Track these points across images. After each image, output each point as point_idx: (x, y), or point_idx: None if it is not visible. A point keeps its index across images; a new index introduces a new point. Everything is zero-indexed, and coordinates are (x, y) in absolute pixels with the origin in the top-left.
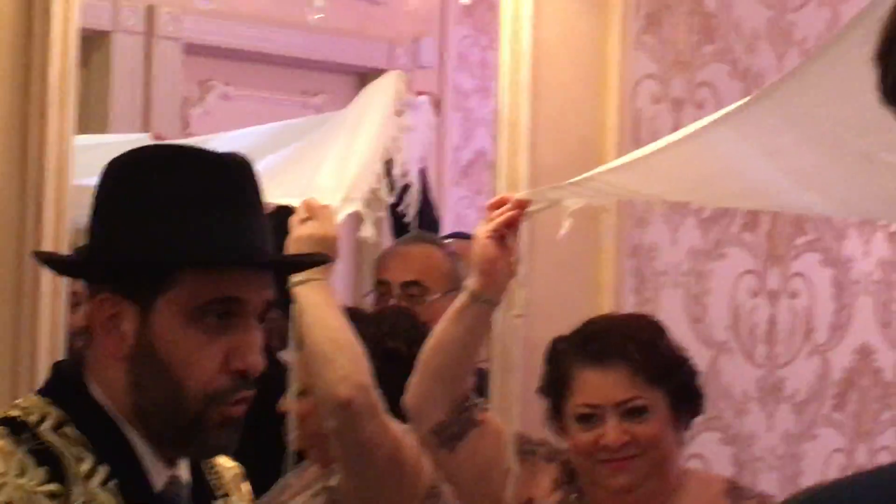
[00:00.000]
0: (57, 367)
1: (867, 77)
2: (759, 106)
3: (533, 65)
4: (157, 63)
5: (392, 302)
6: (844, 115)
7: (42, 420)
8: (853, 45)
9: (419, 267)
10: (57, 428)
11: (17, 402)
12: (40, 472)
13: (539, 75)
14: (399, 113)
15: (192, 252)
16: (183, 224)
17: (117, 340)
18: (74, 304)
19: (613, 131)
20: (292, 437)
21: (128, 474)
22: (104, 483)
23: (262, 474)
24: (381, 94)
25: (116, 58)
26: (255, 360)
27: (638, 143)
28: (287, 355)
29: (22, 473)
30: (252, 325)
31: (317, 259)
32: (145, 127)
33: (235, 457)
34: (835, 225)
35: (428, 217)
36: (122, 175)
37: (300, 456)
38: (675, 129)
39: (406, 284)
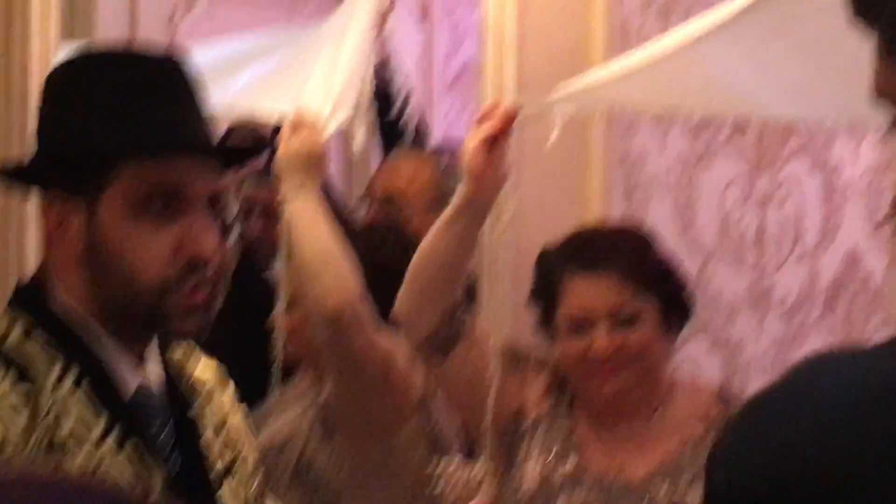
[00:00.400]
0: (20, 281)
1: None
2: (746, 17)
3: None
4: None
5: (373, 214)
6: (834, 26)
7: (7, 331)
8: None
9: (401, 182)
10: (26, 334)
11: None
12: (9, 377)
13: None
14: (382, 19)
15: (130, 142)
16: (120, 116)
17: (70, 242)
18: None
19: (600, 39)
20: (280, 349)
21: (97, 376)
22: (75, 386)
23: (249, 390)
24: (363, 2)
25: None
26: (205, 247)
27: (624, 51)
28: (275, 270)
29: None
30: (200, 212)
31: (254, 149)
32: (132, 36)
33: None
34: (824, 131)
35: (420, 128)
36: (59, 78)
37: (287, 372)
38: (663, 36)
39: (386, 199)
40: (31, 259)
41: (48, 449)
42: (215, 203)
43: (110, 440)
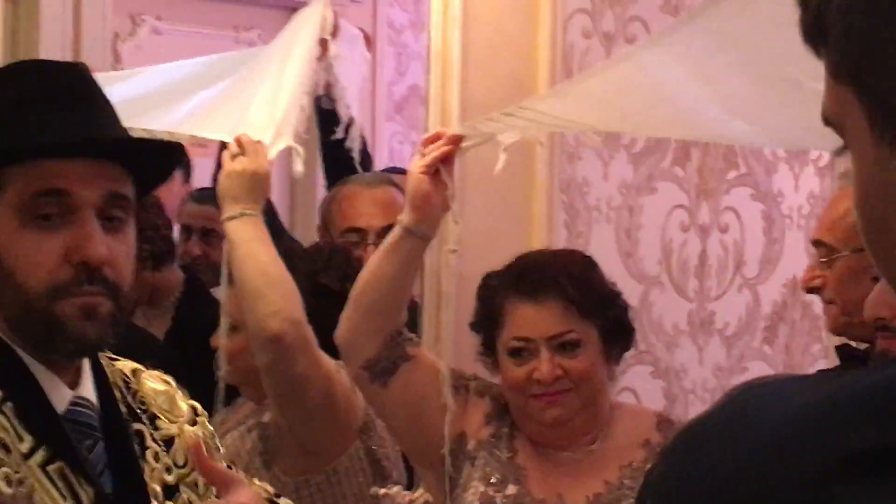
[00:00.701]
0: None
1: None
2: (690, 28)
3: None
4: None
5: (370, 249)
6: (774, 41)
7: None
8: None
9: (394, 210)
10: None
11: None
12: None
13: (470, 9)
14: (324, 42)
15: (7, 146)
16: (2, 124)
17: None
18: None
19: (545, 66)
20: (223, 372)
21: (23, 396)
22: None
23: None
24: (306, 24)
25: None
26: (95, 251)
27: (569, 78)
28: (218, 291)
29: None
30: (88, 217)
31: (158, 144)
32: (75, 58)
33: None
34: (765, 159)
35: (365, 153)
36: None
37: (232, 392)
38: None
39: (385, 230)
40: None
41: None
42: (112, 208)
43: (34, 460)
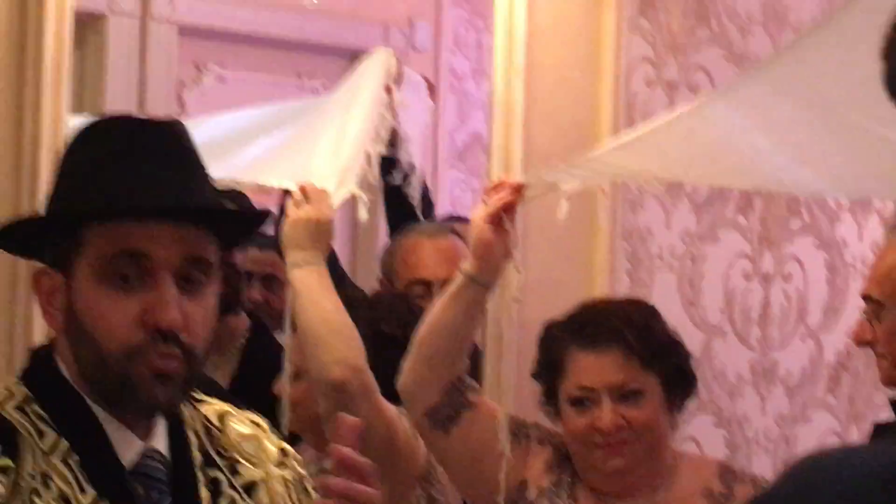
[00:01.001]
0: (30, 350)
1: (862, 52)
2: (754, 80)
3: (527, 47)
4: (152, 45)
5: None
6: (840, 89)
7: (6, 399)
8: (848, 20)
9: (457, 260)
10: (21, 407)
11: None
12: None
13: (533, 58)
14: (388, 90)
15: (85, 208)
16: (87, 181)
17: (56, 314)
18: None
19: (607, 114)
20: (285, 420)
21: (90, 448)
22: (66, 458)
23: None
24: (371, 72)
25: (112, 40)
26: (168, 317)
27: (632, 127)
28: (282, 339)
29: None
30: (165, 280)
31: (243, 213)
32: (140, 109)
33: None
34: (829, 208)
35: (426, 200)
36: (65, 147)
37: (293, 440)
38: (670, 112)
39: (418, 282)
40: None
41: None
42: (192, 270)
43: None
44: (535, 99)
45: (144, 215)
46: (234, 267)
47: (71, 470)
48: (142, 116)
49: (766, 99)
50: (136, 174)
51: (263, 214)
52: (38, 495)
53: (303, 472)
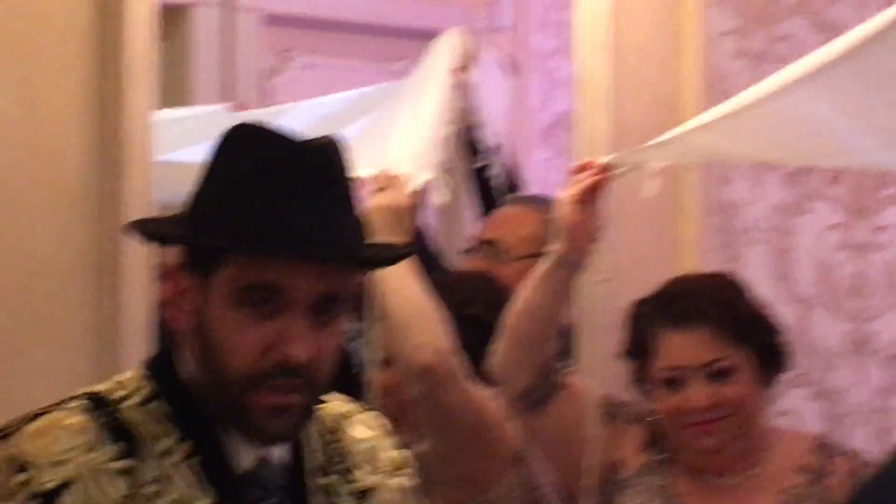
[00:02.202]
0: (160, 343)
1: None
2: (844, 67)
3: (611, 23)
4: (236, 35)
5: (476, 258)
6: None
7: (129, 395)
8: None
9: (503, 227)
10: (146, 402)
11: (121, 375)
12: (113, 448)
13: (617, 34)
14: (460, 71)
15: (233, 236)
16: (237, 206)
17: (185, 315)
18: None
19: (693, 89)
20: (376, 406)
21: (208, 452)
22: (184, 460)
23: None
24: (442, 54)
25: (196, 31)
26: (296, 351)
27: (717, 100)
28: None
29: (91, 449)
30: (296, 315)
31: (386, 255)
32: (227, 99)
33: None
34: None
35: (511, 181)
36: (211, 150)
37: None
38: (756, 84)
39: (487, 242)
40: (127, 317)
41: None
42: (327, 304)
43: None
44: (620, 75)
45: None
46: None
47: (189, 473)
48: (294, 136)
49: (856, 88)
50: (283, 207)
51: (407, 251)
52: (158, 493)
53: (415, 482)
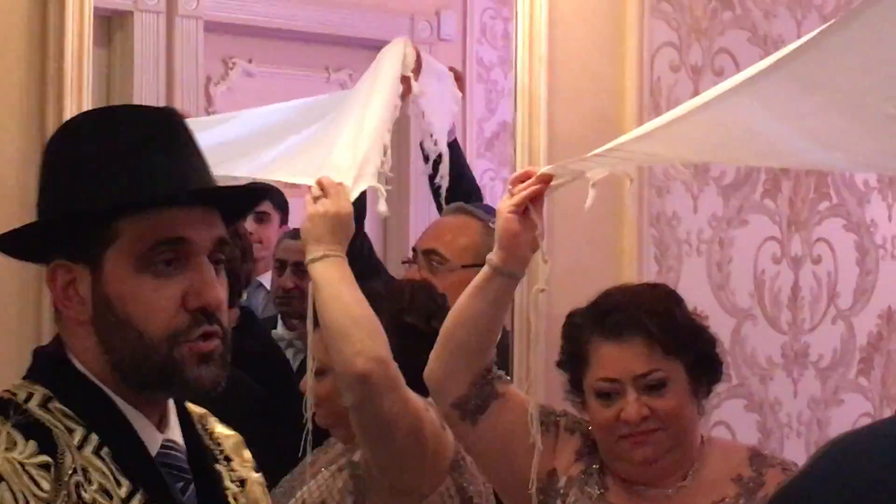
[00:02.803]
0: (37, 350)
1: (889, 45)
2: (778, 74)
3: (549, 35)
4: (178, 42)
5: (414, 269)
6: (867, 81)
7: (28, 398)
8: (874, 14)
9: (443, 237)
10: (43, 405)
11: (5, 389)
12: (30, 445)
13: (556, 45)
14: (406, 80)
15: (125, 198)
16: (112, 173)
17: (78, 306)
18: None
19: (632, 100)
20: (310, 415)
21: (119, 440)
22: (97, 451)
23: (283, 452)
24: (388, 63)
25: (138, 37)
26: (211, 296)
27: (657, 112)
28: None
29: (12, 447)
30: (203, 263)
31: (249, 191)
32: (169, 105)
33: (255, 434)
34: (857, 189)
35: (461, 188)
36: (52, 144)
37: (321, 435)
38: (695, 96)
39: (426, 252)
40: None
41: None
42: (219, 251)
43: None
44: (558, 87)
45: (183, 203)
46: (238, 258)
47: (105, 462)
48: (142, 105)
49: (791, 93)
50: (157, 163)
51: (262, 191)
52: (83, 489)
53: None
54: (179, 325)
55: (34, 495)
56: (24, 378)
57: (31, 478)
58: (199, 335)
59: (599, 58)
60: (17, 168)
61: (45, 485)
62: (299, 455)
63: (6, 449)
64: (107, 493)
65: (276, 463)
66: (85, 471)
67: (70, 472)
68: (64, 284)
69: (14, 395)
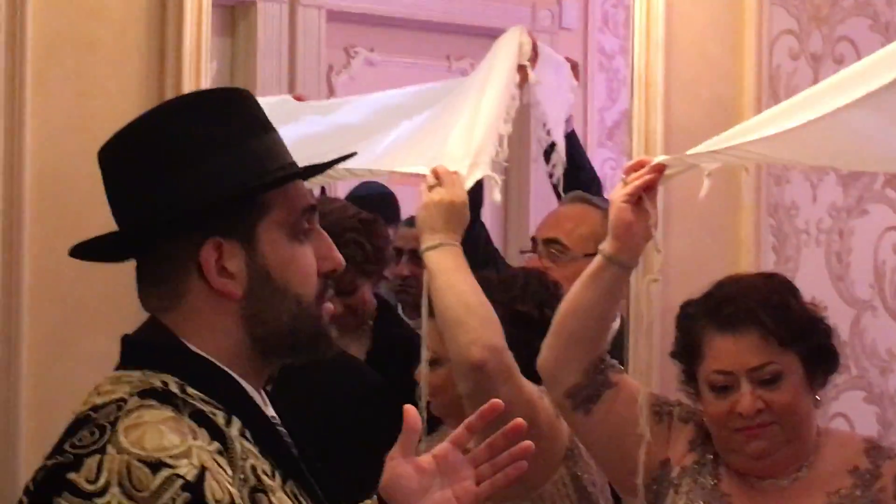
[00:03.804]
0: (134, 340)
1: None
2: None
3: (667, 23)
4: (301, 30)
5: (534, 258)
6: None
7: (167, 386)
8: None
9: (563, 226)
10: (183, 392)
11: (102, 384)
12: (204, 434)
13: (674, 33)
14: (522, 69)
15: (275, 173)
16: (248, 151)
17: (231, 282)
18: None
19: (750, 89)
20: (423, 404)
21: (256, 421)
22: (242, 434)
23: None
24: (503, 52)
25: (262, 26)
26: (339, 260)
27: (776, 101)
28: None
29: (196, 437)
30: (321, 230)
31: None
32: (292, 93)
33: (370, 422)
34: None
35: (578, 178)
36: (143, 137)
37: (433, 423)
38: (814, 84)
39: (547, 241)
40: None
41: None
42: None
43: (280, 483)
44: (675, 75)
45: (304, 177)
46: (383, 245)
47: (252, 444)
48: (209, 90)
49: None
50: (276, 140)
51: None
52: (255, 472)
53: None
54: (320, 286)
55: (229, 483)
56: (123, 367)
57: (220, 466)
58: (327, 298)
59: (717, 45)
60: None
61: (229, 471)
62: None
63: (195, 439)
64: (266, 474)
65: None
66: (244, 456)
67: (241, 457)
68: (215, 260)
69: (149, 386)
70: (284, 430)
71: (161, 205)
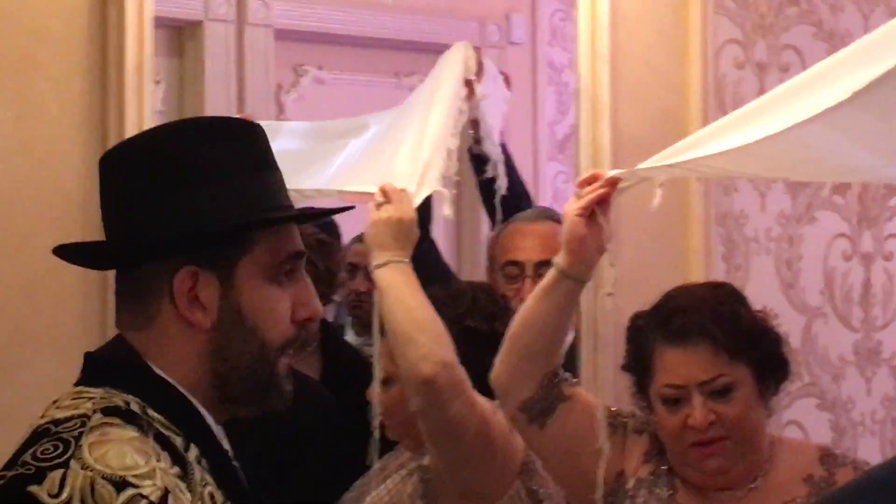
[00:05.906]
0: (98, 357)
1: None
2: (853, 106)
3: (612, 34)
4: (249, 50)
5: (527, 282)
6: None
7: (128, 406)
8: None
9: (552, 246)
10: (143, 413)
11: (62, 399)
12: (166, 456)
13: (619, 44)
14: (469, 84)
15: (265, 213)
16: (243, 187)
17: (200, 312)
18: None
19: (697, 98)
20: (376, 423)
21: (212, 450)
22: (199, 461)
23: (351, 460)
24: (449, 67)
25: (209, 46)
26: (318, 308)
27: (722, 111)
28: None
29: (159, 459)
30: (305, 275)
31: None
32: (240, 113)
33: (327, 443)
34: None
35: (516, 191)
36: (146, 152)
37: (388, 442)
38: (761, 94)
39: (541, 264)
40: None
41: None
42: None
43: None
44: (621, 87)
45: (303, 222)
46: (335, 269)
47: (206, 473)
48: (224, 117)
49: (866, 119)
50: (276, 179)
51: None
52: (213, 499)
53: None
54: (289, 335)
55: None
56: (83, 384)
57: (181, 490)
58: (295, 349)
59: (663, 56)
60: (77, 176)
61: (189, 496)
62: (362, 462)
63: (158, 461)
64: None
65: (348, 468)
66: (203, 483)
67: (200, 483)
68: (188, 289)
69: (113, 404)
70: (237, 465)
71: (147, 224)
